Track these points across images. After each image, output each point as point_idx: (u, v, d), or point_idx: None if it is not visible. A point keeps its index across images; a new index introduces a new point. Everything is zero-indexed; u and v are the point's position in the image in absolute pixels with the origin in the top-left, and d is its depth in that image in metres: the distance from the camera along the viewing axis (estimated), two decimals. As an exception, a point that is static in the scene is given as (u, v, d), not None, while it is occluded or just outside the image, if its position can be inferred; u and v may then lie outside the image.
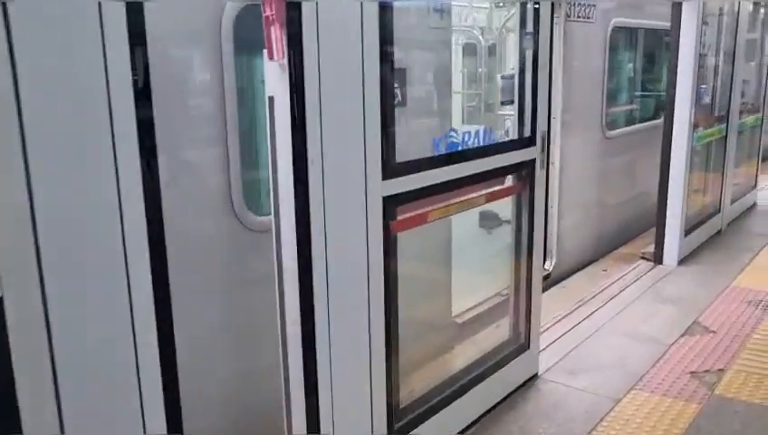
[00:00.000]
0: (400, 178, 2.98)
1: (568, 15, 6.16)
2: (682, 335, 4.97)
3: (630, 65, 8.05)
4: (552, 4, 6.06)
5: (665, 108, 6.41)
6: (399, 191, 2.98)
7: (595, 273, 6.58)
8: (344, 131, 2.66)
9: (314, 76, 2.47)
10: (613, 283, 6.10)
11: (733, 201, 8.16)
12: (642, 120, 8.13)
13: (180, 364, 2.04)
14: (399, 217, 3.18)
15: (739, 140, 8.79)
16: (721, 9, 7.04)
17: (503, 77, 4.05)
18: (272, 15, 2.50)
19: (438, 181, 3.25)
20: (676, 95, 6.26)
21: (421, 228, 3.39)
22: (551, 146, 6.22)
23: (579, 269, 6.79)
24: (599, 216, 7.23)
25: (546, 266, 6.56)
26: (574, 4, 6.24)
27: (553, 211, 6.47)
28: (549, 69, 3.92)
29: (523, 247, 4.04)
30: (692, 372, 4.40)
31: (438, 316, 4.87)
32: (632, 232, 7.44)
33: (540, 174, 3.99)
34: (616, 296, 5.78)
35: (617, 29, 7.06)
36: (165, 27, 2.87)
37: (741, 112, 8.26)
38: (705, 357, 4.62)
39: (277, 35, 2.47)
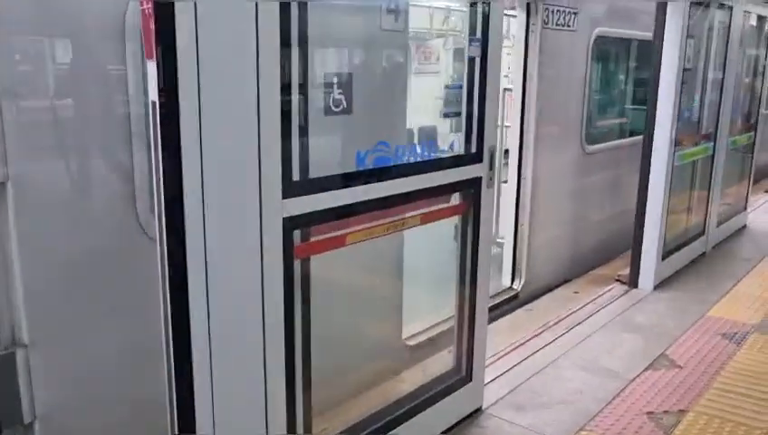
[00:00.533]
0: (308, 197, 2.67)
1: (545, 23, 5.84)
2: (646, 369, 4.64)
3: (618, 77, 7.72)
4: (529, 11, 5.78)
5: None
6: (306, 211, 2.66)
7: (566, 295, 6.25)
8: (232, 144, 2.34)
9: (191, 79, 2.16)
10: (582, 307, 5.77)
11: (720, 223, 7.82)
12: (629, 135, 7.79)
13: None
14: (312, 240, 2.87)
15: (731, 159, 8.47)
16: (710, 19, 6.71)
17: (447, 87, 3.70)
18: (148, 9, 2.20)
19: (359, 200, 2.93)
20: (657, 111, 5.92)
21: (365, 244, 3.10)
22: (524, 160, 5.98)
23: (550, 290, 6.46)
24: (575, 234, 6.90)
25: (514, 286, 6.24)
26: (553, 12, 5.91)
27: (524, 229, 6.15)
28: (496, 81, 3.59)
29: (467, 273, 3.71)
30: (649, 413, 4.06)
31: (386, 339, 4.56)
32: (611, 252, 7.09)
33: (487, 193, 3.67)
34: (582, 322, 5.45)
35: (601, 39, 6.73)
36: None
37: (732, 130, 7.92)
38: (667, 395, 4.28)
39: (150, 32, 2.17)
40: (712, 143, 7.16)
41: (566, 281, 6.75)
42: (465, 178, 3.53)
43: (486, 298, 3.89)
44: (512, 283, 6.25)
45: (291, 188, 2.56)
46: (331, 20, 3.56)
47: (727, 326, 5.39)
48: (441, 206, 3.52)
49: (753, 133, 8.62)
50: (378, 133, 3.70)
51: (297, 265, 2.75)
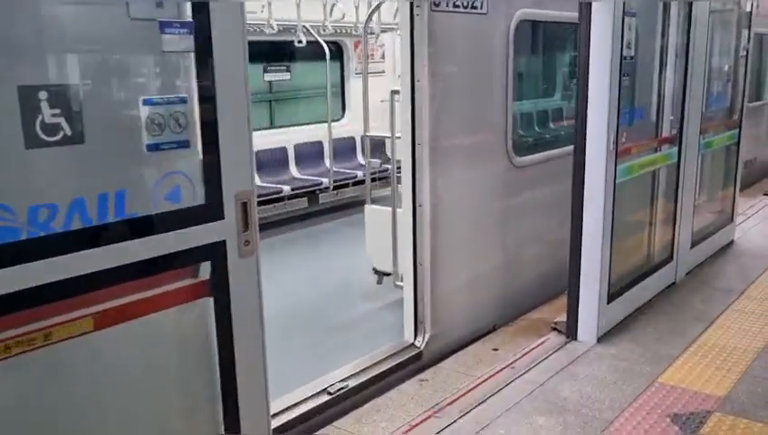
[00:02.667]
0: None
1: (435, 4, 4.46)
2: (550, 486, 3.27)
3: (557, 72, 6.31)
4: (411, -11, 4.41)
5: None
6: None
7: (481, 353, 4.86)
8: None
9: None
10: (493, 374, 4.41)
11: (697, 242, 6.39)
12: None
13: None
14: None
15: (711, 163, 7.03)
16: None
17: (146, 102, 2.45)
18: None
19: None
20: (588, 114, 4.54)
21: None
22: (418, 181, 4.62)
23: (468, 343, 5.09)
24: (503, 270, 5.51)
25: (416, 343, 4.87)
26: (448, -10, 4.55)
27: (424, 270, 4.77)
28: (240, 88, 2.24)
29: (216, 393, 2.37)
30: None
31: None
32: (554, 288, 5.67)
33: (239, 264, 2.32)
34: (488, 399, 4.09)
35: (526, 23, 5.34)
36: None
37: (707, 129, 6.49)
38: None
39: None
40: (676, 148, 5.74)
41: (494, 328, 5.37)
42: (191, 246, 2.19)
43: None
44: (415, 337, 4.89)
45: None
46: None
47: (682, 402, 4.00)
48: (149, 294, 2.17)
49: (737, 131, 7.15)
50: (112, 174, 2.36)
51: None
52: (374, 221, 5.60)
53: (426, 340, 4.84)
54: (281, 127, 9.52)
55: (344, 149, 9.44)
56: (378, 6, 6.55)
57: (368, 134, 5.73)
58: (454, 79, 4.76)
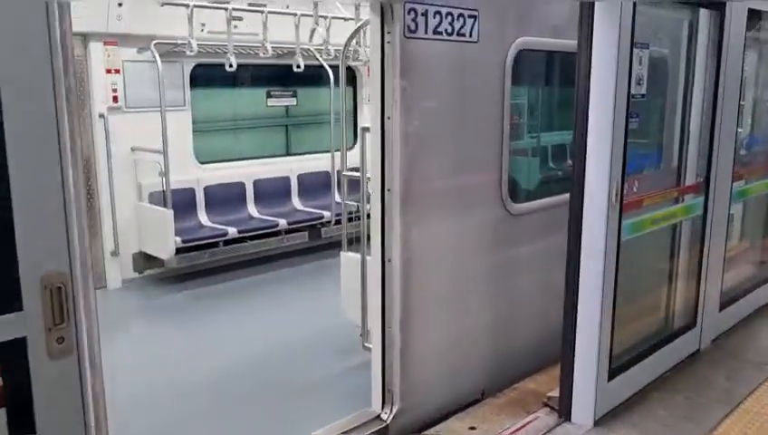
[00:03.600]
0: None
1: (411, 30, 3.89)
2: None
3: (563, 108, 5.64)
4: (383, 14, 3.87)
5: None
6: None
7: (456, 432, 4.20)
8: None
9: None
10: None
11: (726, 304, 5.59)
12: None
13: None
14: None
15: (749, 210, 6.24)
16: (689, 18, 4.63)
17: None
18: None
19: None
20: (587, 159, 3.88)
21: None
22: (387, 231, 4.05)
23: (448, 414, 4.43)
24: (492, 332, 4.83)
25: (383, 415, 4.24)
26: (426, 14, 3.96)
27: (392, 333, 4.15)
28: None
29: None
30: None
31: None
32: (550, 354, 4.94)
33: (49, 368, 1.77)
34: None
35: (526, 54, 4.71)
36: None
37: (743, 175, 5.72)
38: None
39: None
40: (702, 198, 4.99)
41: (483, 396, 4.70)
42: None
43: None
44: (382, 408, 4.26)
45: None
46: None
47: None
48: None
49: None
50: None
51: None
52: (349, 270, 5.01)
53: (394, 412, 4.21)
54: (294, 155, 9.08)
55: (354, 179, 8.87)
56: (357, 31, 6.01)
57: (344, 173, 5.17)
58: (434, 115, 4.16)
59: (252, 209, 8.40)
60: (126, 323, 6.72)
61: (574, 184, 3.92)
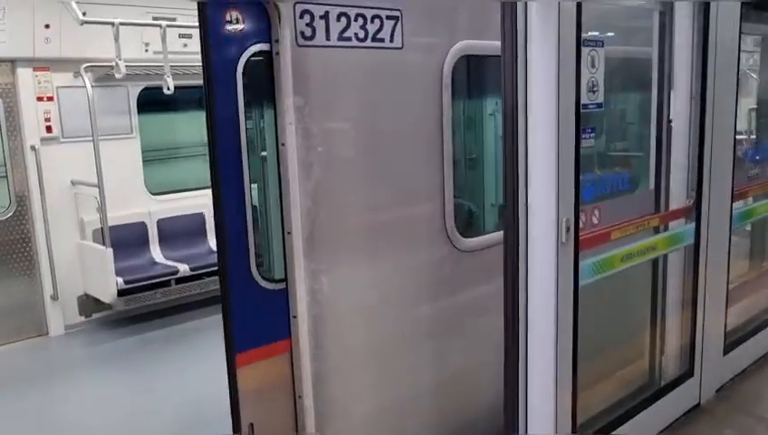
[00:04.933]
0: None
1: (305, 37, 3.16)
2: None
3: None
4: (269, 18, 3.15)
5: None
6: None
7: None
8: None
9: None
10: None
11: (732, 346, 4.73)
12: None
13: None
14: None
15: (757, 232, 5.39)
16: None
17: None
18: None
19: None
20: (529, 188, 3.10)
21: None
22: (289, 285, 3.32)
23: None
24: (432, 397, 4.02)
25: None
26: (326, 17, 3.24)
27: (304, 404, 3.40)
28: None
29: None
30: None
31: None
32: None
33: None
34: None
35: (469, 60, 3.96)
36: None
37: (746, 193, 4.88)
38: None
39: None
40: (693, 224, 4.16)
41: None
42: None
43: None
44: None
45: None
46: None
47: None
48: None
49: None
50: None
51: None
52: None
53: (310, 504, 3.44)
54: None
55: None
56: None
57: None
58: (345, 139, 3.43)
59: (212, 243, 7.69)
60: (62, 373, 6.05)
61: (507, 226, 3.12)
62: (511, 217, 3.07)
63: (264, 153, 3.38)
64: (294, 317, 3.34)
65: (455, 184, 3.93)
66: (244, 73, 3.11)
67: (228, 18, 3.10)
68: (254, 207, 3.28)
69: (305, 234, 3.27)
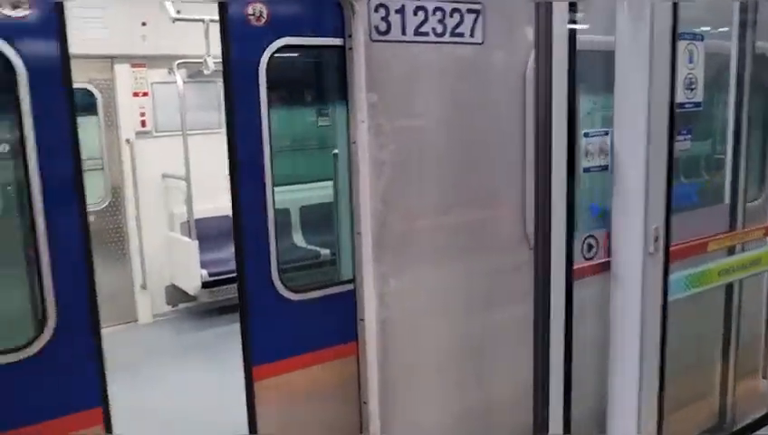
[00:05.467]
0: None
1: (380, 32, 3.05)
2: None
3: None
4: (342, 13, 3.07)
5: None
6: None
7: None
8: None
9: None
10: None
11: None
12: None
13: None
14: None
15: None
16: None
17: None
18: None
19: None
20: (615, 195, 2.87)
21: None
22: (357, 289, 3.25)
23: None
24: (520, 405, 3.83)
25: None
26: (409, 12, 3.11)
27: (369, 410, 3.30)
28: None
29: None
30: None
31: None
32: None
33: None
34: None
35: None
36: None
37: None
38: None
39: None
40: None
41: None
42: None
43: None
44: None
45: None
46: None
47: None
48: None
49: None
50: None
51: None
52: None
53: None
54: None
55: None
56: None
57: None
58: (419, 137, 3.30)
59: (298, 239, 7.74)
60: (148, 361, 6.25)
61: (538, 241, 2.88)
62: (542, 237, 2.85)
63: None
64: (362, 320, 3.26)
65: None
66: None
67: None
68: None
69: (375, 235, 3.18)
